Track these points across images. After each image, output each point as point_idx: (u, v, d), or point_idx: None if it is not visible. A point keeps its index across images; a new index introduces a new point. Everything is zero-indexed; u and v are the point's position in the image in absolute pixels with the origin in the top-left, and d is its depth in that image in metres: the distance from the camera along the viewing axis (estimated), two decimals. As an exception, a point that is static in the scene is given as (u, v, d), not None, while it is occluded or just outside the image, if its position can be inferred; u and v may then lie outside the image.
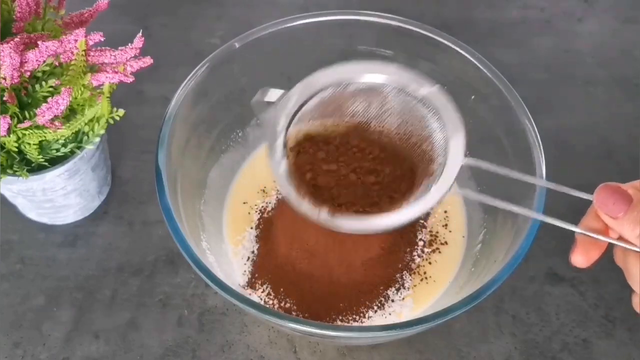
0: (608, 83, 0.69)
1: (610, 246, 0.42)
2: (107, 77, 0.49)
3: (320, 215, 0.46)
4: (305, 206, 0.46)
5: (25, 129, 0.48)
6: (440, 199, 0.46)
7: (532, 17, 0.75)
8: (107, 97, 0.50)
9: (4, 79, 0.46)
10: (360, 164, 0.50)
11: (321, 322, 0.43)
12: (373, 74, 0.51)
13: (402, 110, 0.51)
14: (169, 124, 0.50)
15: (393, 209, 0.47)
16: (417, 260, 0.55)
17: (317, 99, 0.51)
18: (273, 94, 0.52)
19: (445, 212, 0.57)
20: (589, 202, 0.41)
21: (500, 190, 0.54)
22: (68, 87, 0.47)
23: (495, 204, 0.45)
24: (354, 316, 0.52)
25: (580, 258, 0.42)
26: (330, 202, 0.48)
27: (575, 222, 0.42)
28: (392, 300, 0.53)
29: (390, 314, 0.52)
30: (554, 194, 0.46)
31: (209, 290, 0.56)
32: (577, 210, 0.43)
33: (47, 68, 0.48)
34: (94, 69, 0.50)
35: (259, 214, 0.57)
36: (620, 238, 0.41)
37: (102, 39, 0.48)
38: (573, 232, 0.42)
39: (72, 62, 0.48)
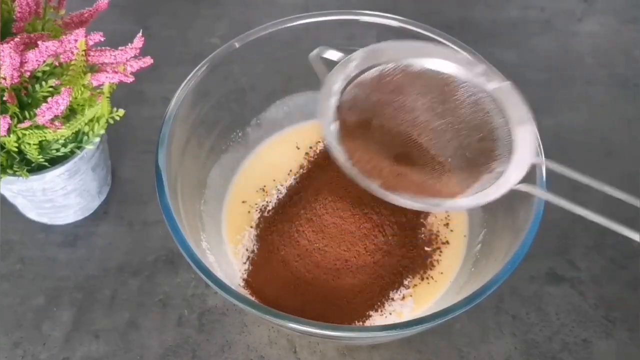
0: (608, 83, 0.69)
1: None
2: (107, 77, 0.49)
3: (371, 186, 0.44)
4: (355, 173, 0.44)
5: (25, 129, 0.48)
6: (501, 195, 0.44)
7: (532, 17, 0.75)
8: (107, 97, 0.50)
9: (4, 79, 0.46)
10: (419, 140, 0.48)
11: (321, 322, 0.43)
12: (441, 60, 0.48)
13: (467, 103, 0.48)
14: (169, 124, 0.50)
15: (449, 195, 0.45)
16: (418, 259, 0.54)
17: (377, 71, 0.48)
18: (332, 54, 0.49)
19: (447, 211, 0.57)
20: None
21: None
22: (68, 87, 0.47)
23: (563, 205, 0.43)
24: (354, 316, 0.52)
25: None
26: (385, 174, 0.45)
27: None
28: (393, 300, 0.53)
29: (390, 314, 0.52)
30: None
31: (209, 290, 0.56)
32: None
33: (47, 68, 0.48)
34: (94, 69, 0.50)
35: (258, 212, 0.57)
36: None
37: (102, 39, 0.48)
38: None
39: (72, 62, 0.48)
